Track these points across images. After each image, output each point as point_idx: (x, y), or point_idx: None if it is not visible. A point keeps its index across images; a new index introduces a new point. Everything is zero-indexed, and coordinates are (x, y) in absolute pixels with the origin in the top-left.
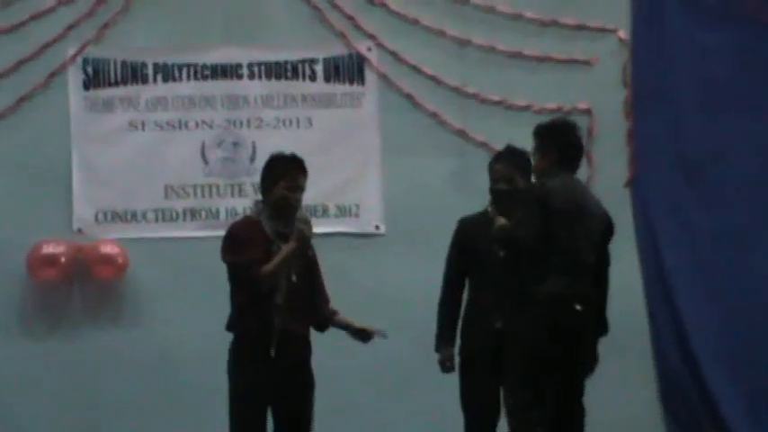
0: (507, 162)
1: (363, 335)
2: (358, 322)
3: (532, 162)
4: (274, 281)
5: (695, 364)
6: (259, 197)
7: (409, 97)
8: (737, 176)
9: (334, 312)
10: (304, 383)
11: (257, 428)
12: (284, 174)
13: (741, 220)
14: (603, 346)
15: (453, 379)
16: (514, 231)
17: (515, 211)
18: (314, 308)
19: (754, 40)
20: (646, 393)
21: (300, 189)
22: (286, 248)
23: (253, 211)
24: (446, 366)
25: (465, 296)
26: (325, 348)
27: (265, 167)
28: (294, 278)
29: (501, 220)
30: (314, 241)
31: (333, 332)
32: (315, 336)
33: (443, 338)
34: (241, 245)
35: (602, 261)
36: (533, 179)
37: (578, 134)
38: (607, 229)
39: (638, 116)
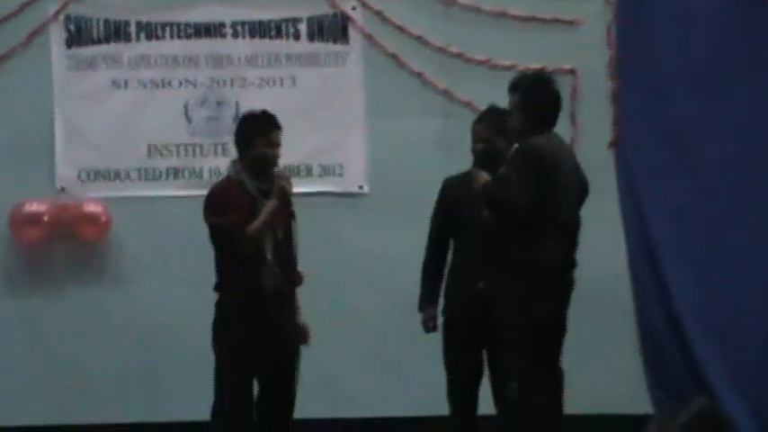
0: (488, 123)
1: (301, 331)
2: (303, 317)
3: (512, 119)
4: (258, 241)
5: (681, 334)
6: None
7: (394, 57)
8: (724, 157)
9: (301, 278)
10: (292, 345)
11: (244, 393)
12: (261, 131)
13: (725, 203)
14: (586, 308)
15: (437, 340)
16: (509, 194)
17: (497, 171)
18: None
19: (742, 12)
20: (629, 357)
21: (277, 145)
22: (269, 206)
23: (232, 171)
24: (428, 326)
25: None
26: (305, 310)
27: (240, 127)
28: (280, 235)
29: (484, 176)
30: (297, 200)
31: (314, 292)
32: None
33: (426, 298)
34: (224, 206)
35: (576, 222)
36: (517, 137)
37: (557, 89)
38: (585, 189)
39: (625, 88)
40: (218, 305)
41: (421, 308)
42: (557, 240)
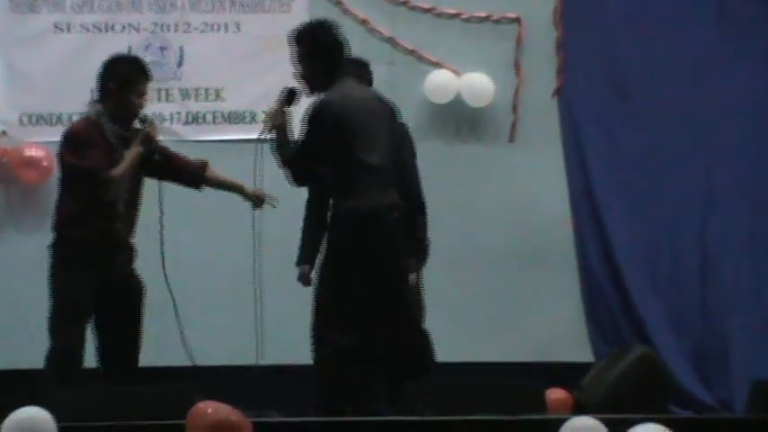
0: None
1: (257, 200)
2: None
3: (302, 72)
4: (121, 187)
5: (620, 280)
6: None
7: (338, 3)
8: (663, 96)
9: (204, 166)
10: (137, 289)
11: (80, 337)
12: (133, 80)
13: (663, 141)
14: (530, 257)
15: None
16: (287, 157)
17: None
18: (182, 175)
19: None
20: (570, 306)
21: (145, 94)
22: (133, 152)
23: (91, 113)
24: (305, 281)
25: None
26: (248, 256)
27: (109, 70)
28: (133, 182)
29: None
30: (242, 147)
31: (251, 238)
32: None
33: (304, 255)
34: (84, 148)
35: (397, 162)
36: (310, 88)
37: (333, 31)
38: (393, 120)
39: (569, 28)
40: (61, 244)
41: (298, 263)
42: (371, 186)
